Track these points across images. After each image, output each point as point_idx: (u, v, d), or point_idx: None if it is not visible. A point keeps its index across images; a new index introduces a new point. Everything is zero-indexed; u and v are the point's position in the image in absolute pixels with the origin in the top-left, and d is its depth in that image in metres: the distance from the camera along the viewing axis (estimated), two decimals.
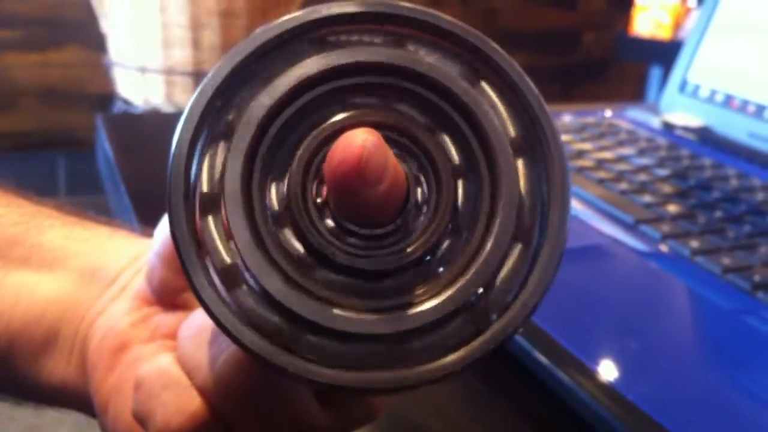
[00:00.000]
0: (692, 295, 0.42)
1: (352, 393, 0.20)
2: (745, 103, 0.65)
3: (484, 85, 0.20)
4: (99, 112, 0.78)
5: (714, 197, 0.52)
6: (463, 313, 0.19)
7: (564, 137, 0.63)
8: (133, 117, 1.34)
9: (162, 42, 1.61)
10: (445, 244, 0.19)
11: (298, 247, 0.19)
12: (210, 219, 0.19)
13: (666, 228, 0.47)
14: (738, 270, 0.42)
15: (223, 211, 0.19)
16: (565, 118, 0.70)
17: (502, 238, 0.19)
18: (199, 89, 0.19)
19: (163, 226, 0.26)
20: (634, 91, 2.58)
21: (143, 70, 1.65)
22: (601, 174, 0.56)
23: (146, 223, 0.31)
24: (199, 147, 0.19)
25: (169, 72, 1.64)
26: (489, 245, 0.19)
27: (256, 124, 0.19)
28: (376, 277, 0.19)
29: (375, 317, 0.19)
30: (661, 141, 0.64)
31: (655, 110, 0.72)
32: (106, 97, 1.87)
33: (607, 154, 0.60)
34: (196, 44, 1.62)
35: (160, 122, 0.92)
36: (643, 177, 0.55)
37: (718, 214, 0.49)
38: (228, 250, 0.19)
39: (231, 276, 0.19)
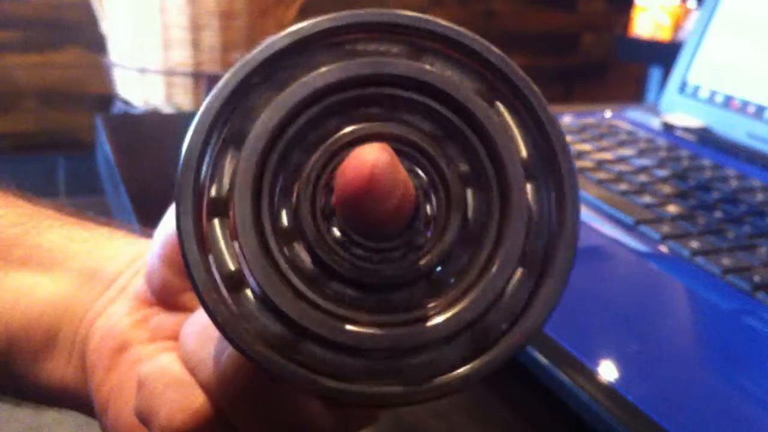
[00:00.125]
0: (692, 295, 0.42)
1: (354, 406, 0.20)
2: (745, 104, 0.65)
3: (500, 105, 0.20)
4: (99, 113, 0.78)
5: (714, 198, 0.52)
6: (469, 329, 0.19)
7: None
8: (133, 118, 1.34)
9: (162, 43, 1.62)
10: (455, 256, 0.19)
11: (306, 259, 0.19)
12: (217, 223, 0.19)
13: (666, 229, 0.47)
14: (738, 271, 0.42)
15: (231, 217, 0.19)
16: (565, 118, 0.70)
17: (508, 259, 0.19)
18: (214, 91, 0.19)
19: (164, 226, 0.26)
20: (634, 92, 2.58)
21: (143, 70, 1.65)
22: (601, 175, 0.56)
23: (146, 224, 0.31)
24: (209, 151, 0.19)
25: (169, 73, 1.64)
26: (496, 265, 0.19)
27: (268, 132, 0.19)
28: (385, 290, 0.19)
29: (383, 331, 0.19)
30: (661, 142, 0.64)
31: (655, 111, 0.72)
32: (106, 98, 1.87)
33: (607, 155, 0.60)
34: (196, 45, 1.62)
35: (160, 123, 0.92)
36: (643, 178, 0.55)
37: (718, 214, 0.49)
38: (233, 255, 0.19)
39: (235, 280, 0.19)
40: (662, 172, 0.57)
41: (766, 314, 0.39)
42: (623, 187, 0.53)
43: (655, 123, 0.69)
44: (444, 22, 0.20)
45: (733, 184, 0.55)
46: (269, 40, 0.19)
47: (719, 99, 0.67)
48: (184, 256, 0.19)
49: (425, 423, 0.34)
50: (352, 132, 0.19)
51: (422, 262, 0.19)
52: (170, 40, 1.61)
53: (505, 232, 0.19)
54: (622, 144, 0.63)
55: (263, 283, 0.18)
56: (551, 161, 0.20)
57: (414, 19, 0.20)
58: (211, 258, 0.19)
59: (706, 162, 0.59)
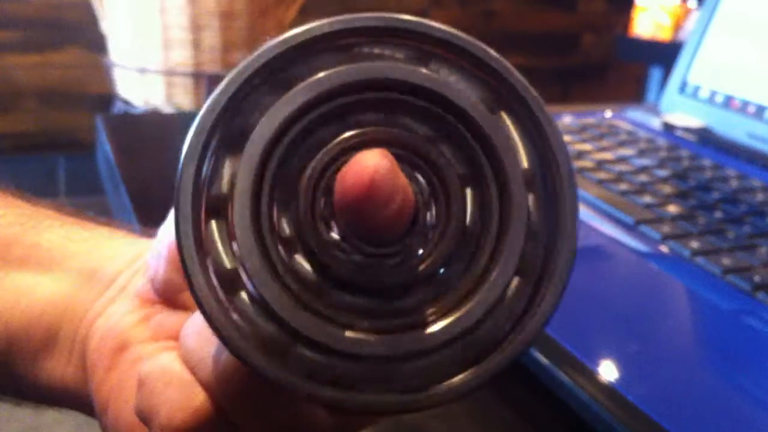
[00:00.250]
0: (692, 295, 0.42)
1: (351, 414, 0.20)
2: (745, 104, 0.65)
3: (504, 114, 0.20)
4: (99, 113, 0.78)
5: (714, 198, 0.52)
6: (467, 336, 0.19)
7: (564, 138, 0.63)
8: (133, 118, 1.34)
9: (162, 43, 1.62)
10: (454, 262, 0.19)
11: (305, 263, 0.19)
12: (215, 225, 0.19)
13: (666, 229, 0.47)
14: (738, 271, 0.42)
15: (230, 219, 0.19)
16: (565, 119, 0.70)
17: (507, 265, 0.19)
18: (216, 92, 0.19)
19: (169, 225, 0.26)
20: (634, 92, 2.58)
21: (143, 71, 1.65)
22: (601, 175, 0.56)
23: (146, 224, 0.31)
24: (209, 153, 0.19)
25: (169, 73, 1.64)
26: (495, 271, 0.19)
27: (268, 135, 0.19)
28: (384, 295, 0.19)
29: (381, 337, 0.19)
30: (661, 142, 0.64)
31: (655, 111, 0.72)
32: (106, 98, 1.87)
33: (607, 155, 0.60)
34: (196, 45, 1.62)
35: (160, 123, 0.92)
36: (643, 178, 0.55)
37: (718, 214, 0.49)
38: (230, 255, 0.19)
39: (232, 281, 0.19)
40: (662, 172, 0.57)
41: (766, 314, 0.39)
42: (623, 187, 0.53)
43: (655, 123, 0.69)
44: (452, 30, 0.20)
45: (734, 184, 0.55)
46: (271, 41, 0.19)
47: (719, 99, 0.67)
48: (182, 258, 0.19)
49: (425, 423, 0.34)
50: (353, 136, 0.19)
51: (421, 267, 0.19)
52: (170, 40, 1.61)
53: (505, 237, 0.19)
54: (622, 144, 0.63)
55: (260, 285, 0.18)
56: (551, 167, 0.20)
57: (417, 24, 0.20)
58: (209, 261, 0.19)
59: (707, 162, 0.59)
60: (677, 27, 2.00)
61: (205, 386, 0.22)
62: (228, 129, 0.19)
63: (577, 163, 0.58)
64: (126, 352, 0.27)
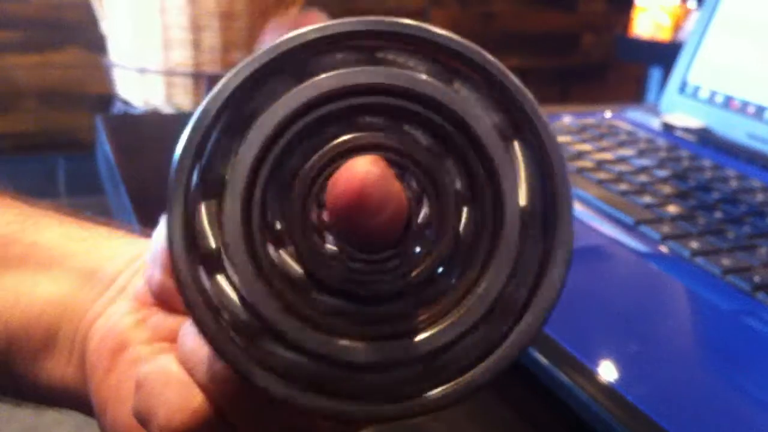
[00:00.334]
0: (692, 296, 0.42)
1: (341, 423, 0.20)
2: (745, 105, 0.65)
3: (516, 143, 0.19)
4: (99, 113, 0.78)
5: (714, 198, 0.52)
6: (460, 342, 0.19)
7: (563, 138, 0.63)
8: (133, 118, 1.34)
9: (162, 43, 1.62)
10: (447, 268, 0.19)
11: (295, 267, 0.19)
12: (207, 227, 0.19)
13: (666, 229, 0.47)
14: (738, 271, 0.42)
15: (221, 221, 0.19)
16: (565, 119, 0.70)
17: (500, 273, 0.19)
18: (213, 92, 0.19)
19: (162, 229, 0.26)
20: (634, 93, 2.58)
21: (143, 71, 1.65)
22: (601, 175, 0.56)
23: (146, 224, 0.31)
24: (204, 153, 0.19)
25: (169, 73, 1.64)
26: (487, 279, 0.19)
27: (265, 135, 0.19)
28: (375, 301, 0.19)
29: (371, 344, 0.18)
30: (661, 142, 0.64)
31: (654, 111, 0.72)
32: (105, 98, 1.87)
33: (606, 155, 0.60)
34: (196, 45, 1.62)
35: (159, 123, 0.92)
36: (643, 178, 0.55)
37: (718, 215, 0.49)
38: (217, 236, 0.19)
39: (213, 262, 0.19)
40: (662, 173, 0.57)
41: (766, 314, 0.39)
42: (623, 187, 0.53)
43: (655, 123, 0.69)
44: (480, 50, 0.19)
45: (733, 184, 0.55)
46: (272, 42, 0.19)
47: (719, 99, 0.67)
48: (173, 262, 0.19)
49: (425, 424, 0.34)
50: (348, 140, 0.19)
51: (414, 273, 0.19)
52: (170, 41, 1.62)
53: (498, 244, 0.19)
54: (622, 144, 0.63)
55: (245, 285, 0.18)
56: (553, 205, 0.19)
57: (419, 29, 0.19)
58: (198, 261, 0.19)
59: (706, 162, 0.59)
60: (677, 27, 2.00)
61: (203, 387, 0.22)
62: (224, 129, 0.19)
63: (577, 164, 0.58)
64: (125, 353, 0.26)
